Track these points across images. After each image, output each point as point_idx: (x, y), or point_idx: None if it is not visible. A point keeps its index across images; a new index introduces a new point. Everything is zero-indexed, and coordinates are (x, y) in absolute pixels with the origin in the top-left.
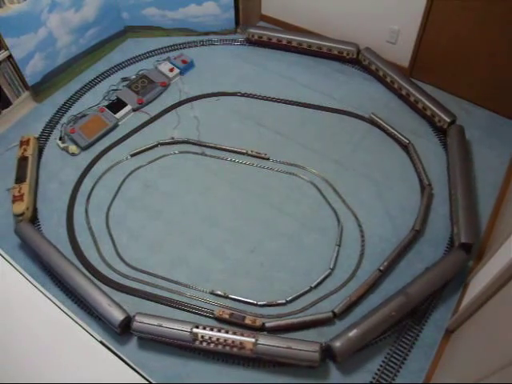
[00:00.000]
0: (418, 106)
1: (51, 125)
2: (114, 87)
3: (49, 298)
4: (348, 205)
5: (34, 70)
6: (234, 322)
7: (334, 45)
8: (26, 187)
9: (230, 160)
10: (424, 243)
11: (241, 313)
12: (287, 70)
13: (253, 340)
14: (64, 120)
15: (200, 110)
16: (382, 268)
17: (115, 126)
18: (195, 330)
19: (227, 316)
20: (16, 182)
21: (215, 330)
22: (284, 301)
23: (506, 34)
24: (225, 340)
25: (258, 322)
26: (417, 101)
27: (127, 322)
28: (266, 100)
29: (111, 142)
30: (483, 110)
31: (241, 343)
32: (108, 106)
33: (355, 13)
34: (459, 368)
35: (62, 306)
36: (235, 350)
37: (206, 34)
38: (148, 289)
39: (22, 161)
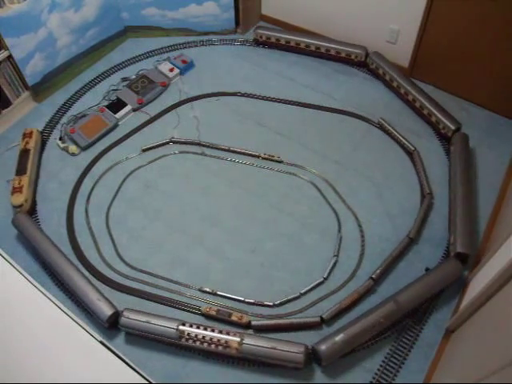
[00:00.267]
0: (424, 112)
1: (51, 125)
2: (114, 87)
3: (49, 298)
4: (348, 205)
5: (34, 69)
6: (221, 319)
7: (343, 47)
8: (25, 179)
9: (230, 160)
10: (424, 243)
11: (228, 309)
12: (287, 70)
13: (238, 339)
14: (64, 120)
15: (200, 110)
16: (374, 276)
17: (115, 126)
18: (181, 327)
19: (214, 312)
20: (16, 174)
21: (201, 328)
22: (271, 303)
23: (506, 33)
24: (210, 338)
25: (245, 319)
26: (422, 107)
27: (115, 318)
28: (266, 100)
29: (111, 142)
30: (483, 109)
31: (226, 342)
32: (108, 106)
33: (355, 13)
34: (459, 368)
35: (62, 306)
36: (220, 348)
37: (206, 33)
38: (148, 289)
39: (24, 153)
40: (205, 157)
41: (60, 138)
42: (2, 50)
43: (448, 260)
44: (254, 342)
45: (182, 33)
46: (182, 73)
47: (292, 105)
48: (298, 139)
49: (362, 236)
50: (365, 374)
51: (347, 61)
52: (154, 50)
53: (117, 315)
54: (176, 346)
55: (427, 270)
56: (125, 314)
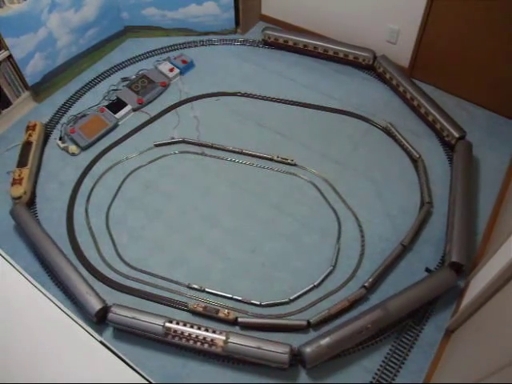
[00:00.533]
0: (429, 118)
1: (51, 125)
2: (114, 87)
3: (49, 298)
4: (348, 205)
5: (34, 70)
6: (208, 315)
7: (351, 50)
8: (26, 172)
9: (230, 160)
10: (424, 243)
11: (215, 306)
12: (287, 70)
13: (223, 338)
14: (64, 120)
15: (200, 110)
16: (366, 285)
17: (115, 126)
18: (168, 324)
19: (201, 309)
20: (17, 166)
21: (188, 325)
22: (259, 302)
23: (506, 33)
24: (196, 336)
25: (232, 316)
26: (427, 113)
27: (104, 312)
28: (266, 100)
29: (111, 142)
30: (483, 109)
31: (212, 340)
32: (108, 106)
33: (355, 13)
34: (459, 368)
35: (61, 306)
36: (206, 346)
37: (206, 33)
38: (148, 289)
39: (26, 145)
40: (205, 157)
41: (60, 138)
42: (2, 50)
43: (442, 269)
44: (239, 341)
45: (181, 33)
46: (182, 73)
47: (292, 105)
48: (298, 139)
49: (362, 236)
50: (365, 374)
51: (355, 64)
52: (153, 50)
53: (106, 310)
54: (163, 342)
55: (427, 270)
56: (113, 309)
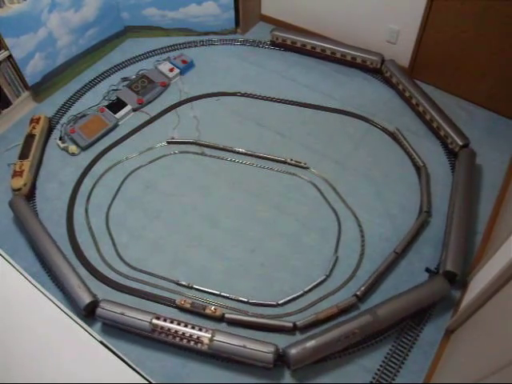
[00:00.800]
0: (433, 125)
1: (51, 125)
2: (114, 87)
3: (49, 298)
4: (348, 205)
5: (34, 70)
6: (196, 312)
7: (359, 53)
8: (27, 164)
9: (230, 160)
10: (424, 243)
11: (202, 302)
12: (287, 70)
13: (209, 335)
14: (64, 120)
15: (200, 109)
16: (358, 293)
17: (115, 126)
18: (155, 320)
19: (188, 305)
20: (19, 158)
21: (175, 322)
22: (246, 299)
23: (506, 33)
24: (183, 333)
25: (219, 312)
26: (432, 120)
27: (94, 307)
28: (266, 100)
29: (111, 142)
30: (483, 109)
31: (198, 337)
32: (108, 106)
33: (355, 13)
34: (459, 368)
35: (61, 306)
36: (192, 343)
37: (206, 33)
38: (148, 289)
39: (29, 138)
40: (205, 157)
41: (60, 138)
42: (2, 50)
43: (435, 277)
44: (224, 339)
45: (182, 33)
46: (182, 73)
47: (292, 105)
48: (298, 139)
49: (362, 236)
50: (365, 374)
51: (362, 67)
52: (153, 50)
53: (95, 305)
54: (149, 338)
55: (427, 270)
56: (101, 304)
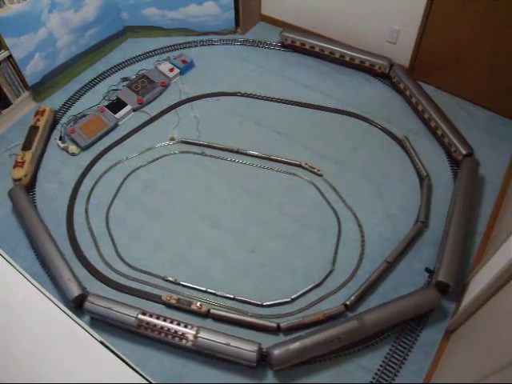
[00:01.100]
0: (438, 132)
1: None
2: (114, 87)
3: (49, 298)
4: (348, 205)
5: (34, 70)
6: (182, 308)
7: (367, 57)
8: (29, 155)
9: (230, 160)
10: (424, 243)
11: (188, 298)
12: (287, 70)
13: (193, 332)
14: (64, 120)
15: (200, 110)
16: (348, 303)
17: (115, 126)
18: (140, 316)
19: (174, 301)
20: (21, 149)
21: (161, 318)
22: (232, 296)
23: (506, 33)
24: (168, 329)
25: (204, 308)
26: (437, 127)
27: (82, 300)
28: (266, 100)
29: (111, 142)
30: (483, 109)
31: (183, 334)
32: (108, 106)
33: (355, 13)
34: (459, 368)
35: (62, 306)
36: (177, 340)
37: (206, 33)
38: (148, 289)
39: (33, 130)
40: (205, 157)
41: (60, 138)
42: (2, 50)
43: (426, 288)
44: (208, 336)
45: (182, 33)
46: (182, 73)
47: (292, 105)
48: (298, 139)
49: (362, 236)
50: (365, 374)
51: (370, 71)
52: (153, 50)
53: (84, 298)
54: (136, 333)
55: (427, 270)
56: (89, 298)
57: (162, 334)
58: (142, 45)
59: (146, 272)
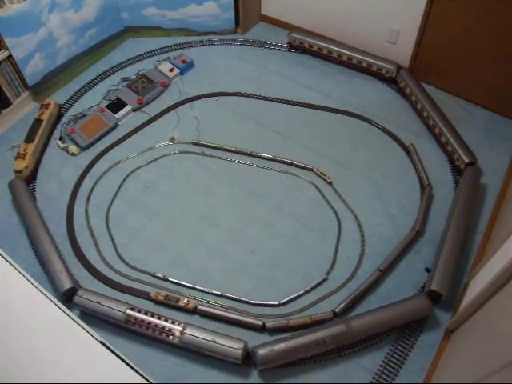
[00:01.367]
0: (441, 139)
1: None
2: (114, 87)
3: (49, 298)
4: (348, 205)
5: (34, 70)
6: (169, 304)
7: (374, 61)
8: (31, 148)
9: (230, 160)
10: (424, 243)
11: (175, 294)
12: (287, 70)
13: (180, 328)
14: (64, 120)
15: (200, 110)
16: (337, 310)
17: (115, 126)
18: (129, 311)
19: (162, 298)
20: (24, 141)
21: (149, 314)
22: (219, 293)
23: (506, 34)
24: (155, 325)
25: (191, 305)
26: (441, 134)
27: (73, 294)
28: (266, 100)
29: (111, 142)
30: (483, 110)
31: (170, 330)
32: (108, 106)
33: (355, 13)
34: (459, 368)
35: (61, 306)
36: (164, 335)
37: (206, 34)
38: (148, 289)
39: (36, 123)
40: (205, 157)
41: (60, 138)
42: (2, 50)
43: (418, 296)
44: (194, 333)
45: (182, 33)
46: (182, 73)
47: (292, 105)
48: (298, 139)
49: (362, 236)
50: (365, 374)
51: (377, 75)
52: (153, 50)
53: (75, 291)
54: (124, 328)
55: (427, 270)
56: (79, 292)
57: (150, 330)
58: (142, 45)
59: (145, 272)
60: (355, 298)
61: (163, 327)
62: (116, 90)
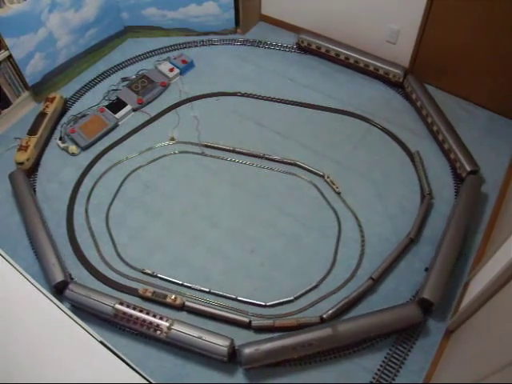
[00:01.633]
0: (444, 146)
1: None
2: (114, 87)
3: (49, 298)
4: (348, 205)
5: (34, 70)
6: (157, 300)
7: (382, 65)
8: (33, 140)
9: (230, 160)
10: (424, 243)
11: (163, 291)
12: (287, 70)
13: (167, 324)
14: (64, 120)
15: (200, 110)
16: (324, 316)
17: (115, 126)
18: (117, 306)
19: (150, 294)
20: (27, 134)
21: (137, 309)
22: (208, 290)
23: (506, 34)
24: (143, 320)
25: (179, 301)
26: (444, 141)
27: (64, 287)
28: (266, 100)
29: (111, 142)
30: (483, 110)
31: (157, 325)
32: (108, 106)
33: (355, 13)
34: (459, 368)
35: (61, 306)
36: (151, 331)
37: (206, 33)
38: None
39: (41, 116)
40: (205, 157)
41: (60, 138)
42: (2, 50)
43: (408, 303)
44: (181, 329)
45: (182, 33)
46: (182, 73)
47: (292, 105)
48: (298, 139)
49: (362, 236)
50: (365, 374)
51: (384, 79)
52: (153, 50)
53: (66, 284)
54: (113, 323)
55: (427, 270)
56: (70, 286)
57: (138, 325)
58: (142, 45)
59: (145, 272)
60: (344, 305)
61: (151, 322)
62: (116, 90)
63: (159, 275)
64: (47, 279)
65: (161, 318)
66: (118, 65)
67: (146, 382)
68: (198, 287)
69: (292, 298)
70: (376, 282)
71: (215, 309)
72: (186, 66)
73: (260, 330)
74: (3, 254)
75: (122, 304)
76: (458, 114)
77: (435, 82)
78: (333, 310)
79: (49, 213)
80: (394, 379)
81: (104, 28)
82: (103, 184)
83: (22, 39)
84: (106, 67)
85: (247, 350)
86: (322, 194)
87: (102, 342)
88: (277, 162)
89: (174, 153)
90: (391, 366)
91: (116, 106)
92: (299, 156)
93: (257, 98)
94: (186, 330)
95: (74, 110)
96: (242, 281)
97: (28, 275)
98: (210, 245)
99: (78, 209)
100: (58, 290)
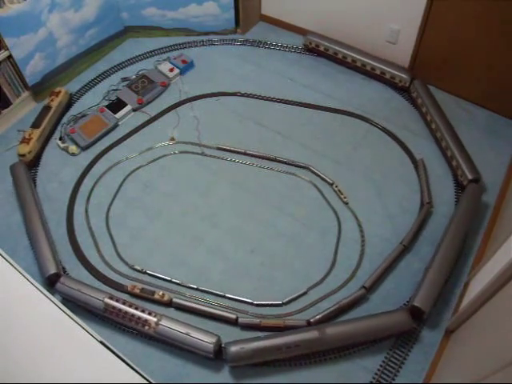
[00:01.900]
0: (447, 153)
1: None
2: (114, 87)
3: (49, 298)
4: (348, 205)
5: (34, 70)
6: (145, 297)
7: (388, 69)
8: (36, 133)
9: (230, 160)
10: (424, 243)
11: (151, 287)
12: (287, 70)
13: (155, 320)
14: (64, 120)
15: (200, 109)
16: (312, 320)
17: (115, 126)
18: (107, 300)
19: (138, 291)
20: (31, 126)
21: (127, 304)
22: (195, 287)
23: (507, 33)
24: (132, 315)
25: (166, 298)
26: (447, 147)
27: (56, 280)
28: (266, 100)
29: (111, 142)
30: (483, 109)
31: (145, 321)
32: (108, 106)
33: (355, 13)
34: (459, 368)
35: (61, 306)
36: (140, 326)
37: (206, 33)
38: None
39: (45, 109)
40: (205, 157)
41: (60, 138)
42: (2, 50)
43: (399, 310)
44: (169, 325)
45: (182, 33)
46: (182, 73)
47: (292, 105)
48: (298, 139)
49: (362, 236)
50: (365, 374)
51: (390, 83)
52: (153, 50)
53: (58, 277)
54: (103, 317)
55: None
56: (61, 280)
57: (126, 319)
58: (142, 45)
59: (144, 272)
60: (332, 312)
61: (139, 317)
62: (116, 90)
63: (148, 271)
64: (41, 272)
65: (149, 314)
66: (117, 65)
67: (146, 382)
68: (188, 284)
69: (280, 302)
70: (369, 290)
71: (202, 305)
72: (186, 66)
73: (247, 327)
74: (3, 253)
75: (111, 298)
76: (458, 114)
77: (435, 82)
78: (321, 315)
79: (49, 213)
80: (393, 379)
81: (104, 28)
82: (103, 184)
83: (22, 39)
84: (105, 67)
85: (233, 348)
86: (322, 194)
87: (102, 342)
88: (288, 164)
89: (174, 153)
90: (391, 366)
91: (116, 105)
92: (299, 156)
93: (257, 98)
94: (173, 325)
95: (74, 110)
96: (241, 281)
97: (28, 275)
98: (210, 245)
99: (78, 209)
100: (51, 283)
